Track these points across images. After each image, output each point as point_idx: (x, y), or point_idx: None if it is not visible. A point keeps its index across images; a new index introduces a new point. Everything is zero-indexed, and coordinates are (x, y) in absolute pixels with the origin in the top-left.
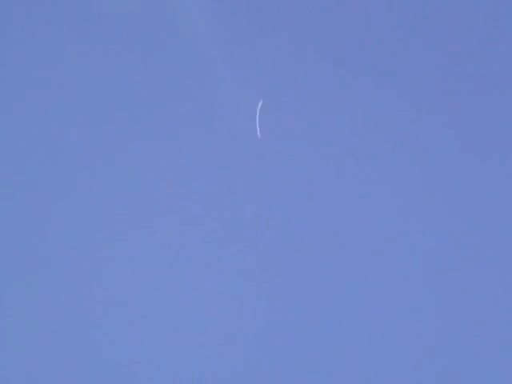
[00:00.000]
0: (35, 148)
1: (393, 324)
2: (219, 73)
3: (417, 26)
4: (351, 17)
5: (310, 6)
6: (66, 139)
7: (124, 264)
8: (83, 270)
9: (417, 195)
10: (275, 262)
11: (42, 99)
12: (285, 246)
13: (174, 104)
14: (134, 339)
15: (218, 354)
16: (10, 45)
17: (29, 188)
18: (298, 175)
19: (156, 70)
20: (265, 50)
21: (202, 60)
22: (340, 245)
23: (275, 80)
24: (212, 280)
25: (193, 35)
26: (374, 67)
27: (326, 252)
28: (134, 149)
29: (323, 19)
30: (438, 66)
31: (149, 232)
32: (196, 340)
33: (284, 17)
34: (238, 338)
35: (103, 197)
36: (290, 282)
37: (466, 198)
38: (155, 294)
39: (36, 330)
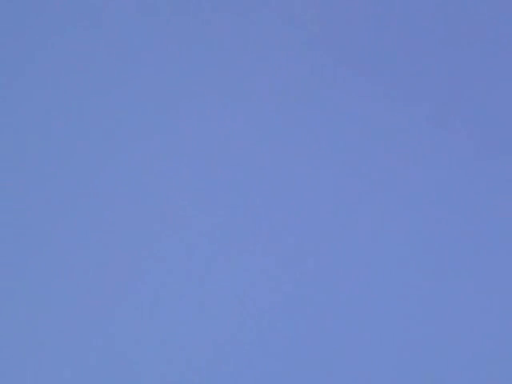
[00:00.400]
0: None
1: (393, 324)
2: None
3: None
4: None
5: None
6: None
7: (123, 262)
8: (85, 269)
9: (415, 195)
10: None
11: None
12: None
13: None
14: (136, 338)
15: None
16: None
17: (30, 186)
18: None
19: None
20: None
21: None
22: (338, 246)
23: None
24: (214, 278)
25: None
26: (378, 67)
27: (325, 250)
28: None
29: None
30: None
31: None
32: (197, 338)
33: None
34: (240, 335)
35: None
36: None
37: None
38: (156, 291)
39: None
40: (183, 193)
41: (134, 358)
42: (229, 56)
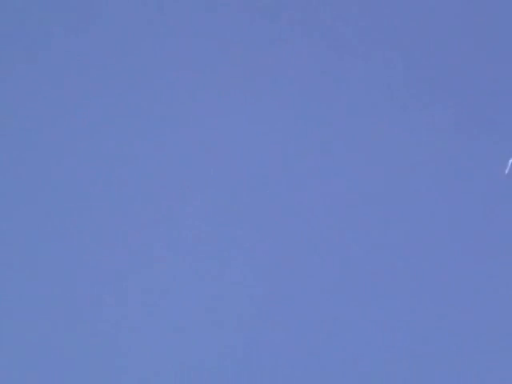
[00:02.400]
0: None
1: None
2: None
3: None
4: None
5: None
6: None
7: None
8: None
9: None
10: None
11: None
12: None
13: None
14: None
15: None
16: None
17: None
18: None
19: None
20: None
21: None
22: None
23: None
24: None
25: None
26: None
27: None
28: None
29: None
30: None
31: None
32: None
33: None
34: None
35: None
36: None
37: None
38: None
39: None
40: (183, 191)
41: (129, 357)
42: (232, 53)
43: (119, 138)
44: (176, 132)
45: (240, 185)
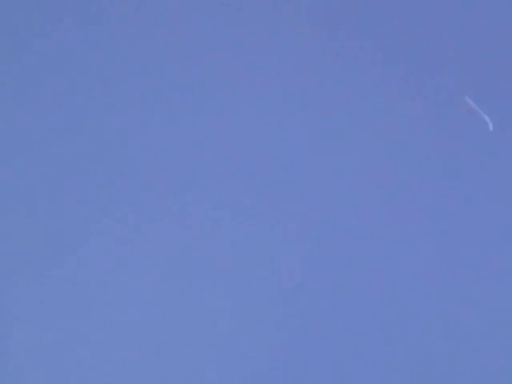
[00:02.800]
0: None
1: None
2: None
3: None
4: None
5: None
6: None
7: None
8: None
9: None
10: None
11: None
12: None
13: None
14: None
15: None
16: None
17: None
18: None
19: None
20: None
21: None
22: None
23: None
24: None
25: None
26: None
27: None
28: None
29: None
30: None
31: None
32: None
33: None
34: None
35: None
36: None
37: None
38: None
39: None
40: (184, 190)
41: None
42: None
43: (119, 136)
44: (177, 130)
45: (241, 183)
